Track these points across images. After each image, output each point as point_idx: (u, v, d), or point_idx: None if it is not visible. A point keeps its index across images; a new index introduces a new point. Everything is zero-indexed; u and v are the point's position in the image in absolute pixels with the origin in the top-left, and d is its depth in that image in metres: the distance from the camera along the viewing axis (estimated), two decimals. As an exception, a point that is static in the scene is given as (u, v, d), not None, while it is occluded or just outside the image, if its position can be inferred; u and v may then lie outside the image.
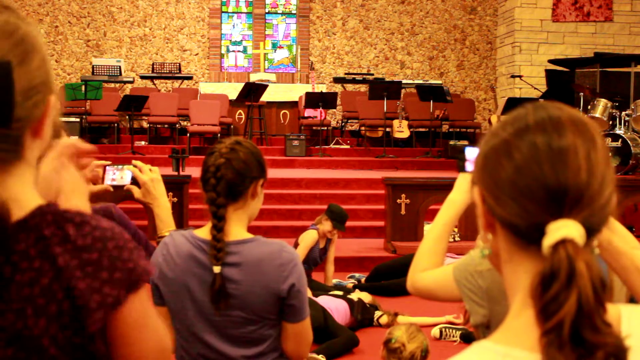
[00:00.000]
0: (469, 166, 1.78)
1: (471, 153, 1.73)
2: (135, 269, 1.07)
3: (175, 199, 6.99)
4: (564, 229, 0.88)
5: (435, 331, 4.92)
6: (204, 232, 2.10)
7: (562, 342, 0.84)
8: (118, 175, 2.62)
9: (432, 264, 2.04)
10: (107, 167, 2.64)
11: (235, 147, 2.12)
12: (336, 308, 5.06)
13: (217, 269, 2.03)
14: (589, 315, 0.84)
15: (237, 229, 2.11)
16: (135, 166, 2.55)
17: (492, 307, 1.83)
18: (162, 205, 2.50)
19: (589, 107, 10.42)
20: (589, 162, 0.90)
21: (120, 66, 12.98)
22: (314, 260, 5.95)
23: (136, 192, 2.51)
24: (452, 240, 7.15)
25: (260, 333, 2.08)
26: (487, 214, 0.97)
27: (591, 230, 0.90)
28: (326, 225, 5.91)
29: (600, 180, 0.91)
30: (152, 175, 2.51)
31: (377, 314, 5.31)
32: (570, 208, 0.89)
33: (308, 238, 5.88)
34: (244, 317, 2.06)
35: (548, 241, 0.89)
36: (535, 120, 0.93)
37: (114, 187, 2.69)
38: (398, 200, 7.29)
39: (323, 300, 5.10)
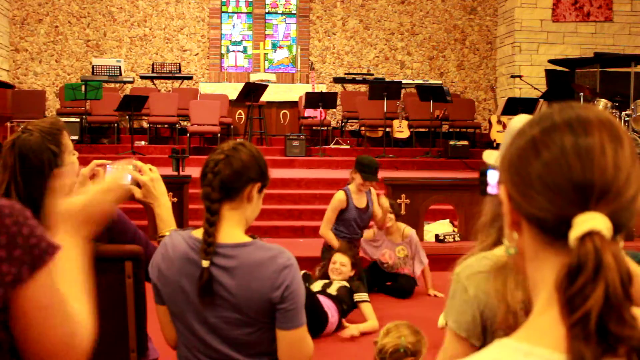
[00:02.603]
0: (491, 189, 1.75)
1: (493, 177, 1.69)
2: (38, 244, 1.03)
3: (175, 199, 6.98)
4: (591, 221, 0.88)
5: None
6: (200, 232, 2.11)
7: (588, 335, 0.83)
8: None
9: None
10: (108, 167, 2.64)
11: (237, 147, 2.14)
12: (327, 307, 4.97)
13: (205, 264, 2.03)
14: (617, 307, 0.83)
15: (233, 230, 2.10)
16: (135, 166, 2.55)
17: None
18: (163, 204, 2.50)
19: (589, 107, 10.41)
20: (616, 159, 0.91)
21: (120, 66, 12.98)
22: (352, 222, 5.72)
23: (137, 192, 2.52)
24: (452, 240, 7.15)
25: (258, 336, 2.08)
26: (513, 211, 0.97)
27: (618, 226, 0.90)
28: (357, 179, 5.63)
29: (626, 176, 0.91)
30: (152, 175, 2.52)
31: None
32: (597, 201, 0.90)
33: (333, 200, 5.72)
34: (239, 319, 2.05)
35: (575, 233, 0.88)
36: (562, 119, 0.95)
37: None
38: (398, 200, 7.28)
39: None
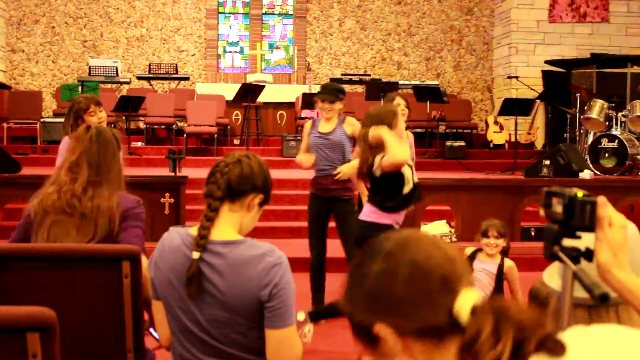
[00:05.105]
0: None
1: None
2: None
3: (172, 200, 6.98)
4: (469, 296, 1.04)
5: None
6: (196, 229, 2.14)
7: None
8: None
9: None
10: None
11: (250, 156, 2.21)
12: None
13: (195, 255, 2.05)
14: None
15: (227, 229, 2.13)
16: None
17: None
18: None
19: (586, 107, 10.44)
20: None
21: (117, 67, 12.97)
22: (315, 148, 5.39)
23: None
24: (449, 240, 7.15)
25: (248, 335, 2.08)
26: (400, 340, 1.08)
27: None
28: (316, 105, 5.39)
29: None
30: None
31: None
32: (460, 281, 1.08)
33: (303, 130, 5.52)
34: (229, 317, 2.06)
35: (465, 312, 1.02)
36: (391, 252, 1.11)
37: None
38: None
39: None
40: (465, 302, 1.01)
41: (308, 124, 5.52)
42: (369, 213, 4.45)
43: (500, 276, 4.68)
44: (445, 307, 1.03)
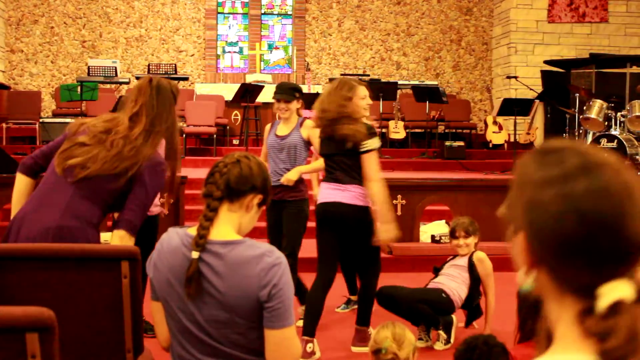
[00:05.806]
0: None
1: None
2: None
3: (171, 200, 6.98)
4: (617, 291, 0.91)
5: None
6: (195, 230, 2.14)
7: None
8: None
9: None
10: None
11: (248, 156, 2.22)
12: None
13: (195, 254, 2.05)
14: None
15: (226, 229, 2.13)
16: None
17: None
18: None
19: (585, 108, 10.45)
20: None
21: (116, 67, 12.97)
22: (270, 153, 5.14)
23: None
24: (448, 241, 7.14)
25: (248, 335, 2.08)
26: (533, 255, 0.98)
27: None
28: (273, 106, 5.24)
29: None
30: None
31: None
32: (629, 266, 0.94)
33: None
34: (228, 317, 2.06)
35: (603, 303, 0.91)
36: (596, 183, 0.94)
37: None
38: (394, 201, 7.28)
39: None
40: (612, 292, 0.90)
41: (268, 127, 5.35)
42: (359, 196, 4.26)
43: (472, 269, 4.51)
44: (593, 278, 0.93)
